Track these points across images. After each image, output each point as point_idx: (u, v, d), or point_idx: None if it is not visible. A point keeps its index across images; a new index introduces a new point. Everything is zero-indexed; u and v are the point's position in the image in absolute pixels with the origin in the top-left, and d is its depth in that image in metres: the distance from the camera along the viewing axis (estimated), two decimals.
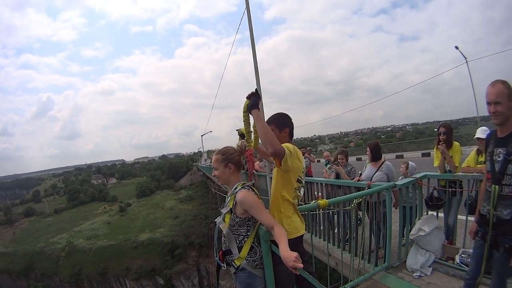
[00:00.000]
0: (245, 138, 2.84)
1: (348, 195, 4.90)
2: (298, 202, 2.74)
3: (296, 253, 1.90)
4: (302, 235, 2.73)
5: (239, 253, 2.40)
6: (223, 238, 2.50)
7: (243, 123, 2.78)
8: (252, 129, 2.81)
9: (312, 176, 8.75)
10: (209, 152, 72.06)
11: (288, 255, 1.91)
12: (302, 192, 2.81)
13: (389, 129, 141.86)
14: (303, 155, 10.13)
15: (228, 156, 2.51)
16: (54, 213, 75.71)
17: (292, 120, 2.87)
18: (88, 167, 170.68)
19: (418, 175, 4.86)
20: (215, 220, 2.56)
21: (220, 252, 2.50)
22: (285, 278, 2.54)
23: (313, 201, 3.75)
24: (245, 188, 2.39)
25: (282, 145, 2.40)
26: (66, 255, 47.22)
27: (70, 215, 70.94)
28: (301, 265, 1.85)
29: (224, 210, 2.47)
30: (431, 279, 4.14)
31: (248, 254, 2.43)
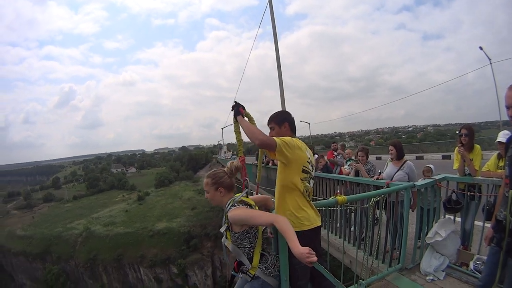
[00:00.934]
0: (237, 146, 3.04)
1: (367, 192, 4.93)
2: (308, 193, 2.80)
3: (308, 247, 1.98)
4: (318, 228, 2.83)
5: (250, 263, 2.46)
6: (231, 254, 2.57)
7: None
8: (242, 137, 2.96)
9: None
10: (229, 145, 73.03)
11: (300, 251, 1.98)
12: (311, 183, 2.89)
13: (410, 129, 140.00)
14: (335, 151, 10.19)
15: (218, 180, 2.55)
16: (73, 199, 78.07)
17: (292, 116, 3.02)
18: (108, 156, 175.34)
19: (437, 177, 4.85)
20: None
21: (236, 262, 2.57)
22: (299, 271, 2.62)
23: (332, 197, 3.92)
24: (234, 206, 2.42)
25: (277, 138, 2.55)
26: (83, 241, 48.89)
27: (88, 202, 72.96)
28: (315, 259, 1.94)
29: (222, 229, 2.52)
30: (444, 284, 4.16)
31: (260, 262, 2.49)
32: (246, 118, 2.94)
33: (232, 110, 2.82)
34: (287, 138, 2.65)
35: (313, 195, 3.05)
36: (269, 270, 2.51)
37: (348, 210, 5.87)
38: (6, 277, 54.37)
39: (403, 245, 4.52)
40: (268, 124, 3.02)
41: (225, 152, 68.65)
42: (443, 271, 4.32)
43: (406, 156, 5.60)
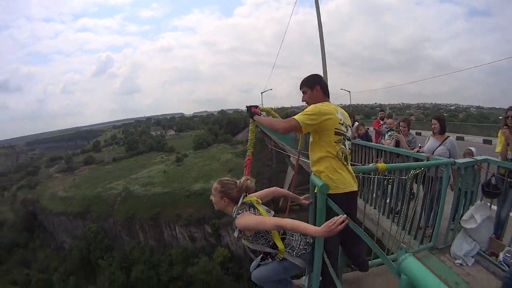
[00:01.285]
0: (247, 145, 3.38)
1: (407, 163, 5.12)
2: (344, 156, 2.90)
3: (329, 221, 2.14)
4: (354, 193, 2.95)
5: (276, 249, 2.65)
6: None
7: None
8: (254, 137, 3.43)
9: None
10: (269, 110, 73.15)
11: (322, 231, 2.16)
12: (348, 145, 2.97)
13: (452, 107, 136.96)
14: (382, 119, 10.25)
15: (226, 190, 2.66)
16: (113, 161, 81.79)
17: (324, 79, 3.14)
18: (147, 119, 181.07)
19: (479, 158, 4.63)
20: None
21: (263, 253, 2.84)
22: (329, 238, 2.65)
23: (372, 164, 4.06)
24: (239, 213, 2.56)
25: (297, 116, 2.76)
26: (122, 200, 51.53)
27: (128, 164, 76.31)
28: (341, 226, 2.09)
29: (235, 234, 2.67)
30: (471, 271, 4.12)
31: (284, 245, 2.66)
32: (263, 113, 3.30)
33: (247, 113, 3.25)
34: (310, 108, 2.84)
35: (351, 161, 3.12)
36: (295, 251, 2.70)
37: (385, 180, 6.06)
38: (48, 236, 58.46)
39: (436, 224, 4.51)
40: (300, 88, 3.15)
41: (264, 116, 69.46)
42: (472, 257, 4.29)
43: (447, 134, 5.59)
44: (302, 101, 3.18)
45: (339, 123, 2.87)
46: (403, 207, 4.95)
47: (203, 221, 45.06)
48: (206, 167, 60.77)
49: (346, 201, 2.76)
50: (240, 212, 2.59)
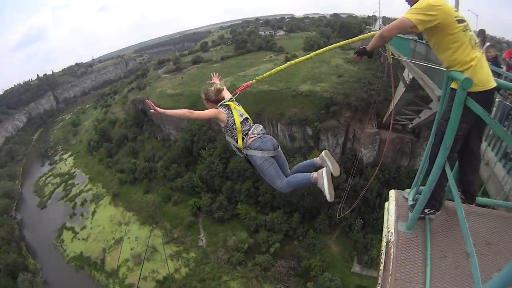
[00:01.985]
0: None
1: None
2: (476, 44, 2.98)
3: None
4: (491, 90, 3.05)
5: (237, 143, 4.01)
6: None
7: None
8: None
9: None
10: (385, 19, 69.21)
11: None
12: (471, 32, 3.01)
13: None
14: None
15: (207, 96, 4.30)
16: (221, 60, 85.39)
17: None
18: (256, 20, 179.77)
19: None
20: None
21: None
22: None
23: None
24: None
25: (406, 13, 2.97)
26: None
27: (236, 62, 79.50)
28: None
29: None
30: None
31: (243, 143, 3.97)
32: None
33: (361, 55, 3.76)
34: (418, 4, 2.95)
35: None
36: (249, 145, 3.99)
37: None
38: (155, 129, 67.29)
39: None
40: None
41: (380, 25, 68.01)
42: None
43: None
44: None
45: (452, 12, 2.95)
46: None
47: (305, 122, 47.01)
48: (315, 69, 60.73)
49: (484, 102, 2.80)
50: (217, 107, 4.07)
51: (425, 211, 3.79)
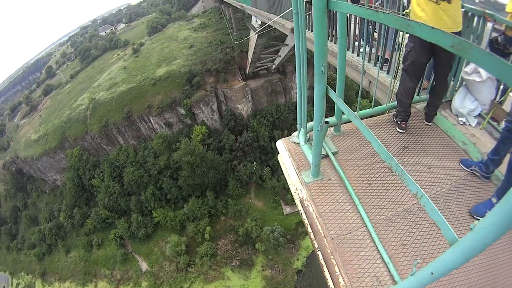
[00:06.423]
0: None
1: None
2: None
3: None
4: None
5: None
6: None
7: None
8: None
9: None
10: None
11: None
12: None
13: None
14: None
15: None
16: (71, 78, 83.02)
17: None
18: (93, 22, 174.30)
19: (487, 10, 4.45)
20: None
21: None
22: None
23: None
24: None
25: None
26: (92, 113, 53.84)
27: (86, 74, 77.44)
28: None
29: None
30: (475, 132, 4.34)
31: None
32: None
33: None
34: None
35: None
36: None
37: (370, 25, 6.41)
38: (40, 183, 63.26)
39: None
40: None
41: None
42: (475, 117, 4.52)
43: None
44: None
45: None
46: (395, 54, 5.25)
47: (175, 104, 48.17)
48: (166, 49, 62.09)
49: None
50: None
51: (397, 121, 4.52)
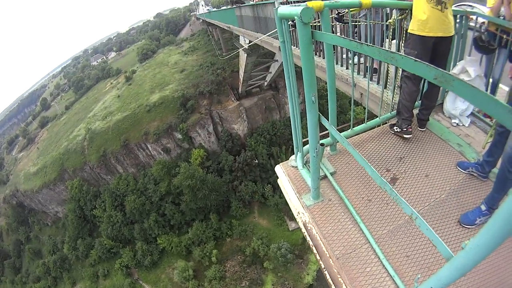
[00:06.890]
0: None
1: (391, 0, 4.80)
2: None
3: None
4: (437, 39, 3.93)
5: None
6: None
7: None
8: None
9: None
10: None
11: None
12: None
13: None
14: None
15: None
16: (66, 110, 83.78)
17: None
18: (84, 52, 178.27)
19: (468, 8, 4.73)
20: None
21: None
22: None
23: None
24: None
25: None
26: (89, 143, 54.30)
27: (81, 105, 78.46)
28: None
29: None
30: (469, 132, 4.44)
31: None
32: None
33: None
34: None
35: None
36: None
37: (356, 27, 6.44)
38: (41, 215, 63.11)
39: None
40: None
41: (203, 6, 74.36)
42: (467, 117, 4.60)
43: None
44: None
45: None
46: (383, 64, 5.34)
47: (171, 129, 48.53)
48: (158, 75, 63.12)
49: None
50: None
51: (398, 129, 4.59)
